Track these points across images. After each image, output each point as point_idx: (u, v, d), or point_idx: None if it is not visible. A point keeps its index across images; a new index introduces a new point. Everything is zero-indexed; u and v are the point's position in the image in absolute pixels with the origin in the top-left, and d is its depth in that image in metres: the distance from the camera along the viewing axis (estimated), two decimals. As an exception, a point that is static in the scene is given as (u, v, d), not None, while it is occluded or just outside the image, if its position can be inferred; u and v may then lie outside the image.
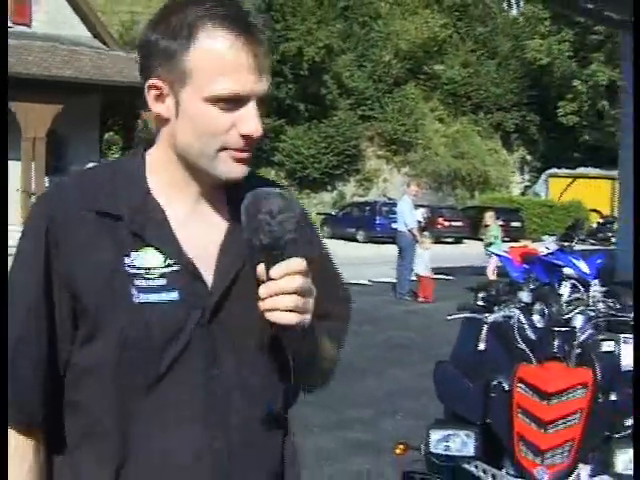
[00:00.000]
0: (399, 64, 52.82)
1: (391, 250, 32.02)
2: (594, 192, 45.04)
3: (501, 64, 58.01)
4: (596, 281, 9.23)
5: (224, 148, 1.59)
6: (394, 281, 18.54)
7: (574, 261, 13.04)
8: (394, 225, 17.87)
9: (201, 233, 1.66)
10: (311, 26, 46.58)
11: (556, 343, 3.73)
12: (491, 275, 17.13)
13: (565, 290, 5.38)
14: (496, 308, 4.06)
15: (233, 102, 1.56)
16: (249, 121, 1.57)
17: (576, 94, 53.79)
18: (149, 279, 1.58)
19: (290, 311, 1.50)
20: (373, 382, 9.38)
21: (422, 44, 53.71)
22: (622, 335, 4.29)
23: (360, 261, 25.75)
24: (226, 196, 1.70)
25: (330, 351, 1.80)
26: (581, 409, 3.49)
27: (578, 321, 3.86)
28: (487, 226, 18.91)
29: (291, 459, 1.76)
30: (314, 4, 48.17)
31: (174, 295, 1.58)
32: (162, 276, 1.59)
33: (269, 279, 1.50)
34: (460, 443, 3.62)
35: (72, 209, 1.61)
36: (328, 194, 49.76)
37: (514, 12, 61.30)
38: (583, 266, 12.75)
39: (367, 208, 38.67)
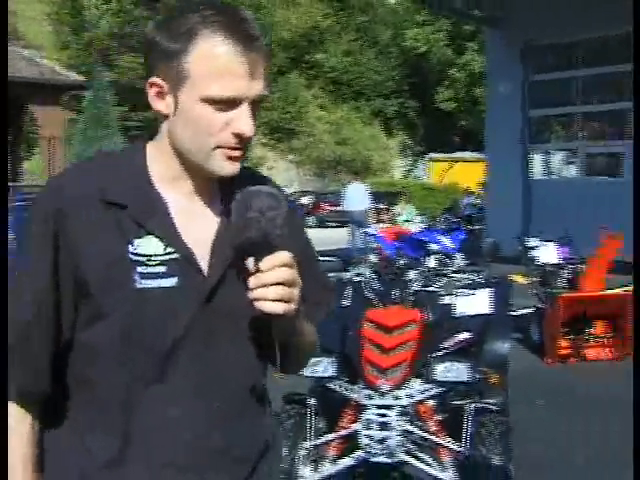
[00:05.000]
0: (282, 53, 53.56)
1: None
2: (471, 174, 46.31)
3: (381, 52, 59.26)
4: (458, 254, 10.63)
5: (218, 146, 1.66)
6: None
7: (439, 237, 14.36)
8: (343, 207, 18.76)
9: (197, 224, 1.74)
10: (194, 17, 46.78)
11: (395, 292, 4.96)
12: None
13: (432, 263, 6.72)
14: (350, 268, 5.27)
15: (227, 103, 1.64)
16: (242, 121, 1.65)
17: (453, 81, 55.51)
18: (150, 266, 1.66)
19: (277, 300, 1.61)
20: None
21: (304, 33, 54.77)
22: (456, 290, 5.50)
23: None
24: (220, 190, 1.78)
25: (310, 336, 1.89)
26: (413, 339, 4.66)
27: (411, 275, 5.10)
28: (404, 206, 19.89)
29: (271, 427, 1.94)
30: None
31: (173, 281, 1.67)
32: (162, 264, 1.67)
33: (258, 271, 1.60)
34: (324, 367, 4.69)
35: (79, 197, 1.68)
36: (215, 183, 50.05)
37: (392, 0, 62.43)
38: (447, 241, 14.10)
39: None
